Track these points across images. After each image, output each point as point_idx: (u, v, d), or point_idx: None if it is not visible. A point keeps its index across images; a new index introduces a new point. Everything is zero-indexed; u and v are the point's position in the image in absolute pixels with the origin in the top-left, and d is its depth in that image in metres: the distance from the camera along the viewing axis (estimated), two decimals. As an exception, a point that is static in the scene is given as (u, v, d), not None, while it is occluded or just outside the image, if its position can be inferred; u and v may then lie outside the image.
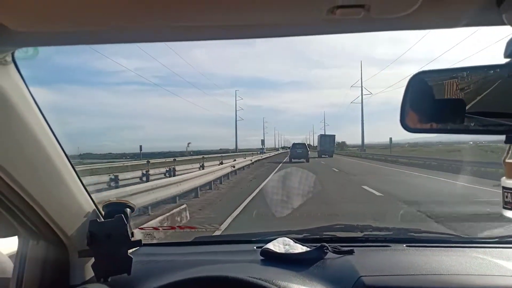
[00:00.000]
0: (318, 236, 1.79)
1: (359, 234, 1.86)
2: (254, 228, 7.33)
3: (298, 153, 37.68)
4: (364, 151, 61.56)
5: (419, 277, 1.26)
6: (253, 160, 31.81)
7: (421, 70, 0.91)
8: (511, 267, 1.31)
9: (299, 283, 1.21)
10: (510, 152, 0.90)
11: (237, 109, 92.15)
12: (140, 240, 1.36)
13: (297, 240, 1.63)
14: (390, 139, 52.05)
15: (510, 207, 0.90)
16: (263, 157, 43.50)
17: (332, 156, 52.08)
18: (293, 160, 36.23)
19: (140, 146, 42.74)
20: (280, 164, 30.70)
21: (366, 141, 78.35)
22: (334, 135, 61.02)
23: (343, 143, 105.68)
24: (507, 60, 0.80)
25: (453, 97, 0.88)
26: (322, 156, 51.95)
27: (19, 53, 0.97)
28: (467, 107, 0.85)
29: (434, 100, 0.89)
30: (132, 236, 1.33)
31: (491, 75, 0.84)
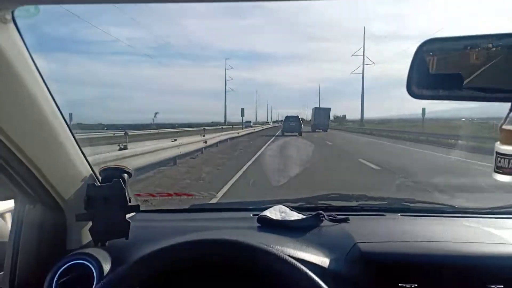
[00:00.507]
0: (313, 205, 1.81)
1: (354, 203, 1.87)
2: (250, 196, 7.40)
3: (291, 126, 36.28)
4: (363, 126, 57.01)
5: (414, 244, 1.28)
6: (214, 142, 19.48)
7: (429, 38, 0.90)
8: (501, 235, 1.33)
9: (296, 249, 1.23)
10: (508, 119, 0.91)
11: (227, 80, 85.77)
12: (138, 205, 1.36)
13: (293, 208, 1.65)
14: (423, 110, 37.49)
15: (501, 171, 0.91)
16: (240, 134, 30.94)
17: (326, 131, 47.86)
18: (285, 134, 34.68)
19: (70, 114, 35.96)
20: (265, 145, 20.25)
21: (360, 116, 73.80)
22: (329, 108, 56.92)
23: (343, 117, 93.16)
24: None
25: (461, 65, 0.88)
26: (316, 130, 48.23)
27: (19, 11, 0.94)
28: (473, 75, 0.85)
29: (442, 68, 0.89)
30: (130, 201, 1.33)
31: (502, 43, 0.84)
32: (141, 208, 1.41)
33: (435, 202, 1.94)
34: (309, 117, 74.79)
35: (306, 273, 0.96)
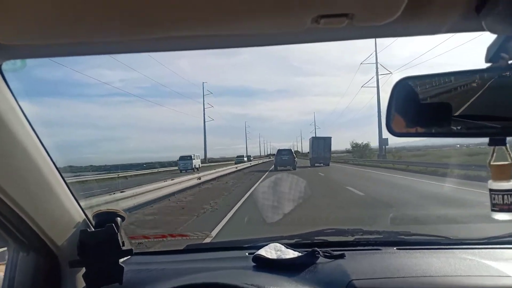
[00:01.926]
0: (309, 241, 1.80)
1: (350, 238, 1.87)
2: (245, 234, 7.30)
3: (283, 160, 34.19)
4: (383, 157, 41.75)
5: (410, 279, 1.27)
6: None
7: (406, 76, 0.93)
8: (499, 267, 1.32)
9: None
10: (494, 154, 0.93)
11: (207, 107, 73.38)
12: (131, 249, 1.35)
13: (288, 246, 1.64)
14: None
15: (498, 209, 0.92)
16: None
17: (328, 165, 39.43)
18: (278, 168, 32.27)
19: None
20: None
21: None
22: (330, 137, 45.05)
23: (366, 145, 54.06)
24: (488, 64, 0.84)
25: (437, 102, 0.91)
26: (316, 165, 39.65)
27: (7, 65, 0.97)
28: (451, 111, 0.87)
29: (419, 105, 0.92)
30: (123, 245, 1.32)
31: (474, 79, 0.87)
32: (135, 250, 1.40)
33: (430, 235, 1.94)
34: (305, 149, 65.10)
35: None
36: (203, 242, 4.65)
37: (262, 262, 1.49)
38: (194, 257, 1.78)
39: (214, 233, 7.02)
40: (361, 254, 1.61)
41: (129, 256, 1.60)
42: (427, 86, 0.91)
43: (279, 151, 36.81)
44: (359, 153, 52.95)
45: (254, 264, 1.50)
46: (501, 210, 0.92)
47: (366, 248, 1.72)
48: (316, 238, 1.86)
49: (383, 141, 44.40)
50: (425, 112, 0.91)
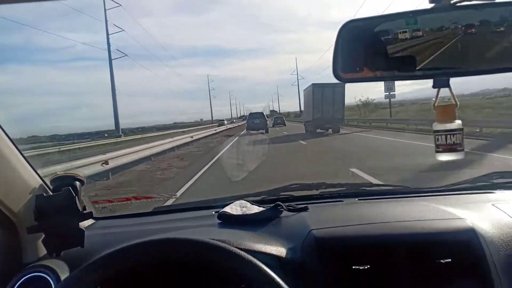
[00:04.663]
0: (275, 197, 1.82)
1: (314, 192, 1.90)
2: (213, 194, 7.34)
3: (255, 123, 33.41)
4: None
5: (367, 226, 1.31)
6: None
7: (351, 18, 0.91)
8: (453, 211, 1.38)
9: (253, 241, 1.23)
10: (439, 97, 0.95)
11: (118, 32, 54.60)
12: (91, 212, 1.32)
13: (254, 202, 1.66)
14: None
15: (441, 149, 0.96)
16: None
17: (338, 131, 25.07)
18: (251, 132, 31.57)
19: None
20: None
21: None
22: (344, 85, 23.38)
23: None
24: (432, 5, 0.85)
25: (382, 45, 0.89)
26: (318, 130, 25.86)
27: None
28: (395, 54, 0.87)
29: (365, 48, 0.91)
30: (84, 209, 1.29)
31: (419, 20, 0.87)
32: (101, 215, 1.37)
33: (391, 185, 2.01)
34: (286, 109, 49.33)
35: (254, 264, 0.95)
36: (170, 204, 4.65)
37: (227, 218, 1.50)
38: (160, 219, 1.77)
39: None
40: (324, 206, 1.65)
41: (94, 221, 1.58)
42: (373, 29, 0.90)
43: (251, 114, 36.42)
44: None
45: (219, 221, 1.51)
46: (444, 151, 0.95)
47: (329, 200, 1.76)
48: (281, 193, 1.89)
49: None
50: (371, 56, 0.90)
